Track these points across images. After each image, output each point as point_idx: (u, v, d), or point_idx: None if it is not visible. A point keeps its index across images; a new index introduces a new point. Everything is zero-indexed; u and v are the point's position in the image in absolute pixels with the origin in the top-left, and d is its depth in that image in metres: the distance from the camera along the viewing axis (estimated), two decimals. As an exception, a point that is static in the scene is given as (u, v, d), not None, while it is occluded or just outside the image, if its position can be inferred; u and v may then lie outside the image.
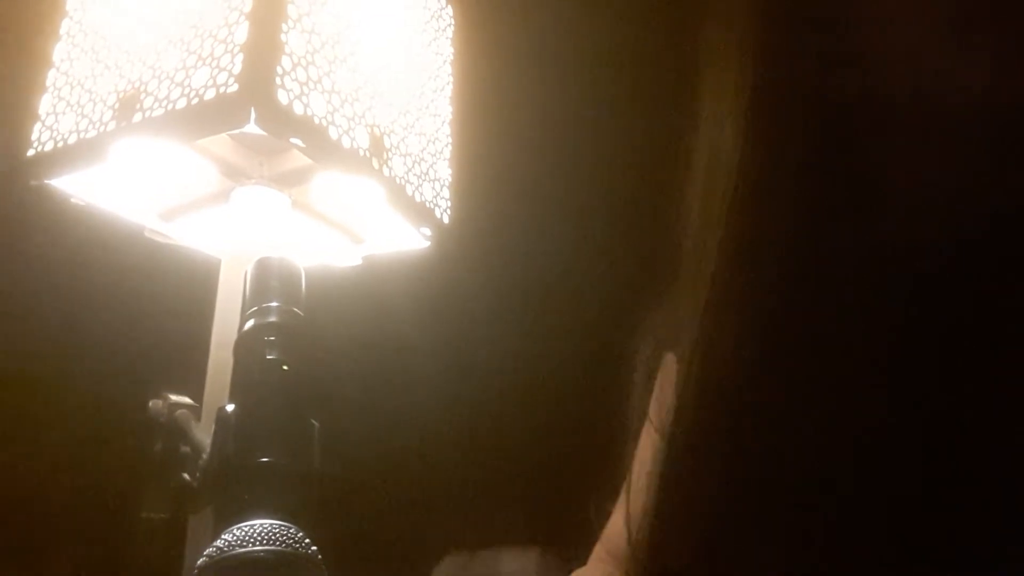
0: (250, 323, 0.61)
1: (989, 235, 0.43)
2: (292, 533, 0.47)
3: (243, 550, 0.45)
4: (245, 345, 0.59)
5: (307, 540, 0.48)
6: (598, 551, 0.66)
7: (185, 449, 0.79)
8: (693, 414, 0.48)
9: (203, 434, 0.66)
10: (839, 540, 0.43)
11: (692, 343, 0.48)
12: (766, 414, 0.45)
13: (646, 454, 0.59)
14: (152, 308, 1.21)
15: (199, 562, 0.46)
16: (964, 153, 0.43)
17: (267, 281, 0.64)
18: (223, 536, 0.46)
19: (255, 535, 0.46)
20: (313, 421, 0.57)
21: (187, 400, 0.82)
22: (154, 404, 0.81)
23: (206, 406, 0.82)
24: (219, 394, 0.85)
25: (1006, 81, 0.41)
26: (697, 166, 0.52)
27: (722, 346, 0.47)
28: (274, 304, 0.62)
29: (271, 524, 0.47)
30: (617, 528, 0.61)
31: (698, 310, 0.48)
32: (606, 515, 0.64)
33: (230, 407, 0.55)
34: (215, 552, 0.46)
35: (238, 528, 0.46)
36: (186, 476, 0.65)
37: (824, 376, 0.45)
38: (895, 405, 0.44)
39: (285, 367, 0.57)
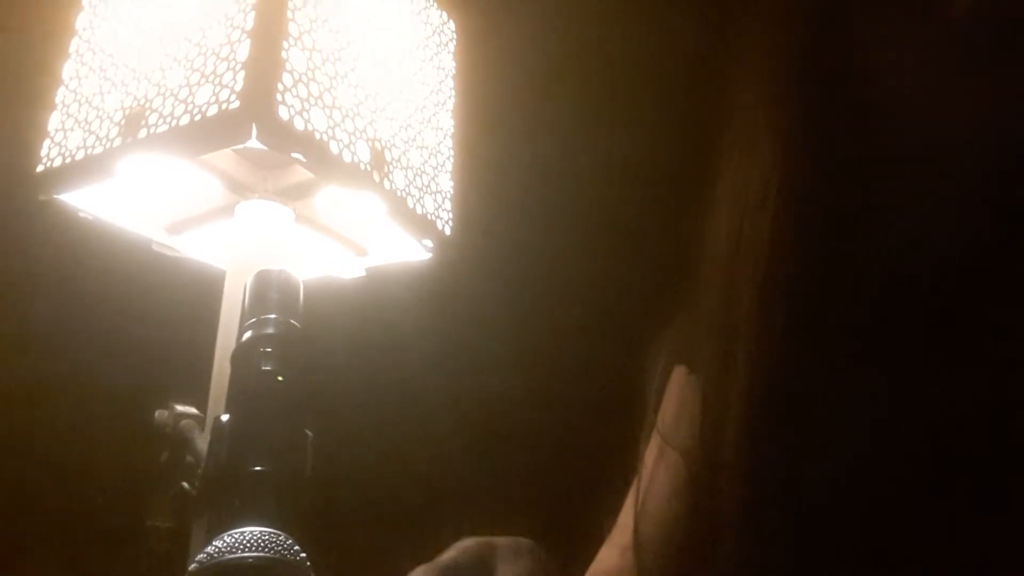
0: (248, 334, 0.62)
1: (991, 251, 0.44)
2: (282, 540, 0.48)
3: (233, 556, 0.46)
4: (242, 356, 0.60)
5: (297, 547, 0.49)
6: (605, 552, 0.66)
7: (189, 459, 0.80)
8: (714, 436, 0.49)
9: (206, 444, 0.67)
10: (859, 563, 0.44)
11: (713, 368, 0.50)
12: (787, 437, 0.46)
13: (653, 461, 0.60)
14: (158, 320, 1.23)
15: (190, 568, 0.47)
16: (966, 185, 0.45)
17: (265, 293, 0.65)
18: (214, 542, 0.47)
19: (245, 542, 0.47)
20: (307, 431, 0.58)
21: (192, 410, 0.83)
22: (160, 414, 0.83)
23: (210, 416, 0.83)
24: (223, 404, 0.87)
25: (1000, 121, 0.43)
26: (723, 189, 0.53)
27: (744, 370, 0.48)
28: (272, 316, 0.63)
29: (261, 531, 0.48)
30: (626, 527, 0.62)
31: (717, 332, 0.50)
32: (615, 516, 0.65)
33: (225, 417, 0.56)
34: (205, 558, 0.47)
35: (228, 535, 0.47)
36: (185, 485, 0.66)
37: (845, 398, 0.46)
38: (913, 427, 0.45)
39: (280, 378, 0.58)
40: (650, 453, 0.61)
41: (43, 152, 0.89)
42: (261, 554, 0.47)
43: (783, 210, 0.48)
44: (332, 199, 0.96)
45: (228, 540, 0.47)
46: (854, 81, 0.47)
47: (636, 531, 0.56)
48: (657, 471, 0.58)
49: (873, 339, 0.47)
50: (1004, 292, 0.44)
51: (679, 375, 0.60)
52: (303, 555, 0.49)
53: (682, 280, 0.55)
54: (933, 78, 0.45)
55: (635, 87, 1.40)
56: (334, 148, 0.84)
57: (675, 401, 0.59)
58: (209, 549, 0.47)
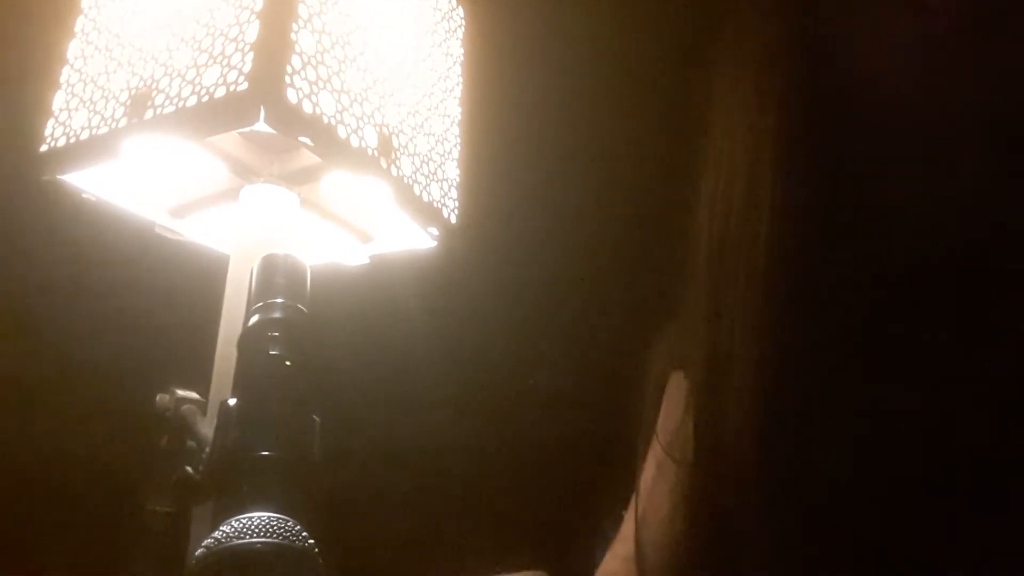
0: (255, 318, 0.62)
1: (989, 249, 0.44)
2: (290, 526, 0.48)
3: (240, 542, 0.46)
4: (249, 340, 0.60)
5: (304, 533, 0.49)
6: (608, 564, 0.66)
7: (191, 443, 0.79)
8: (712, 443, 0.49)
9: (208, 428, 0.67)
10: (860, 563, 0.44)
11: (707, 373, 0.50)
12: (786, 441, 0.46)
13: (652, 471, 0.60)
14: (161, 304, 1.22)
15: (197, 552, 0.47)
16: (961, 168, 0.44)
17: (273, 278, 0.65)
18: (221, 527, 0.47)
19: (253, 527, 0.47)
20: (314, 416, 0.57)
21: (194, 395, 0.83)
22: (161, 398, 0.82)
23: (212, 401, 0.82)
24: (225, 389, 0.86)
25: (998, 94, 0.42)
26: (708, 189, 0.53)
27: (739, 374, 0.48)
28: (279, 300, 0.62)
29: (269, 516, 0.47)
30: (628, 537, 0.62)
31: (707, 336, 0.50)
32: (618, 521, 0.65)
33: (232, 401, 0.55)
34: (213, 543, 0.46)
35: (236, 520, 0.47)
36: (189, 469, 0.66)
37: (844, 399, 0.46)
38: (913, 427, 0.44)
39: (288, 362, 0.58)
40: (649, 462, 0.60)
41: (47, 132, 0.88)
42: (269, 539, 0.47)
43: (772, 208, 0.48)
44: (338, 184, 0.95)
45: (236, 525, 0.47)
46: (843, 77, 0.47)
47: (637, 542, 0.56)
48: (656, 481, 0.58)
49: (872, 339, 0.46)
50: (1004, 291, 0.44)
51: (677, 381, 0.60)
52: (311, 541, 0.49)
53: (679, 281, 0.55)
54: (923, 69, 0.44)
55: (650, 79, 1.39)
56: (342, 133, 0.83)
57: (673, 408, 0.59)
58: (216, 534, 0.47)
